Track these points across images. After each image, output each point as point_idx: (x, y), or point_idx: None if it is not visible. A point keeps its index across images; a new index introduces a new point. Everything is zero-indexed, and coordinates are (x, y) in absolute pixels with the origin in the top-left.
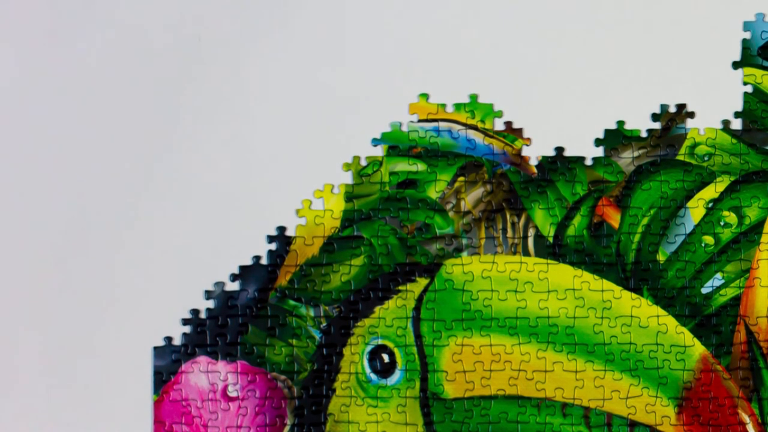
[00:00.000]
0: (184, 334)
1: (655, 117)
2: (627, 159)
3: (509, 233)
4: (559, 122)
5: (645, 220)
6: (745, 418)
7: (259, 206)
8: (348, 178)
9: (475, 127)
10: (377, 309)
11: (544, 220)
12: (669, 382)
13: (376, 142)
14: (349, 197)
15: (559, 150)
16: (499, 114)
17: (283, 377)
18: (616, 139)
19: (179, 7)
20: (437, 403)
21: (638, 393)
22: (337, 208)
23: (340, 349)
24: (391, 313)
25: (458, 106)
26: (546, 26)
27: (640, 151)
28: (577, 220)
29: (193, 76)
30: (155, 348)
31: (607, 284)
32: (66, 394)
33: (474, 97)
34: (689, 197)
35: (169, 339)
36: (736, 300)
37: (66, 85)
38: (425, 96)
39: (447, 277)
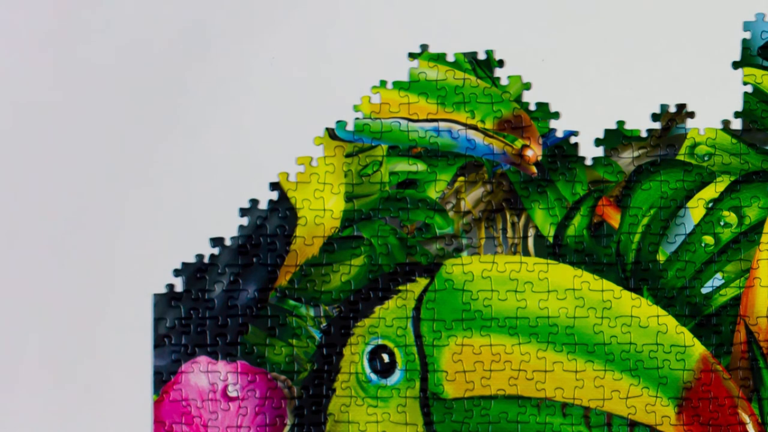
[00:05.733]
0: (183, 334)
1: (655, 117)
2: (627, 159)
3: (509, 233)
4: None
5: (645, 220)
6: (745, 418)
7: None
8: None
9: (475, 127)
10: (377, 309)
11: (544, 220)
12: (669, 382)
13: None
14: (349, 197)
15: (559, 149)
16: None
17: (283, 377)
18: (616, 139)
19: None
20: (437, 403)
21: (638, 393)
22: (337, 208)
23: (340, 349)
24: (391, 313)
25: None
26: (545, 27)
27: (640, 151)
28: (577, 220)
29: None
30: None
31: (607, 284)
32: (66, 394)
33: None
34: (689, 197)
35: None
36: (736, 300)
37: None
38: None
39: (447, 277)
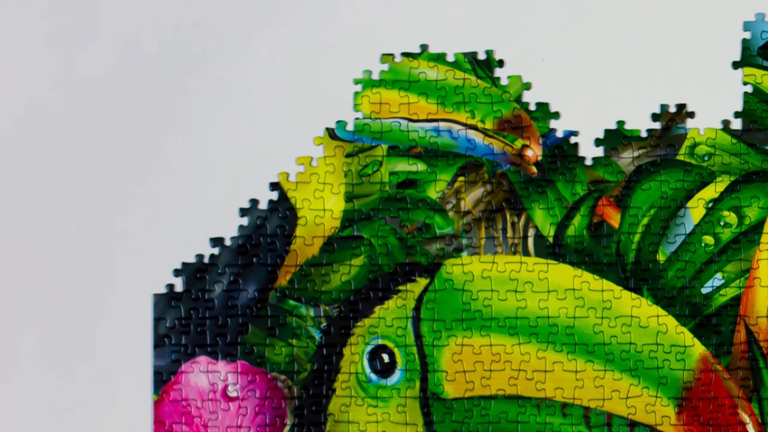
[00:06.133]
0: (183, 334)
1: (655, 117)
2: (627, 159)
3: (509, 233)
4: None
5: (645, 220)
6: (745, 418)
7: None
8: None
9: (475, 127)
10: (377, 309)
11: (544, 220)
12: (669, 382)
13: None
14: (349, 197)
15: (559, 149)
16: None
17: (283, 377)
18: (616, 139)
19: None
20: (437, 403)
21: (638, 393)
22: (337, 208)
23: (340, 349)
24: (391, 313)
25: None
26: (545, 27)
27: (640, 151)
28: (577, 220)
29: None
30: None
31: (607, 284)
32: (66, 394)
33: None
34: (689, 197)
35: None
36: (736, 300)
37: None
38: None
39: (447, 277)
